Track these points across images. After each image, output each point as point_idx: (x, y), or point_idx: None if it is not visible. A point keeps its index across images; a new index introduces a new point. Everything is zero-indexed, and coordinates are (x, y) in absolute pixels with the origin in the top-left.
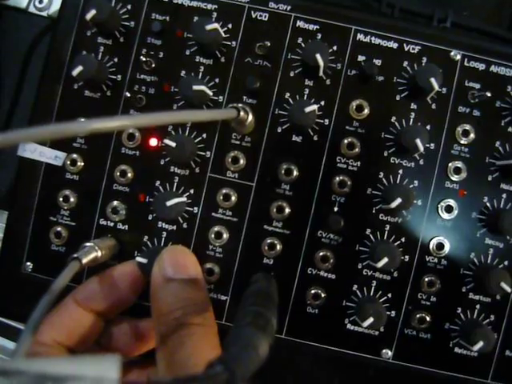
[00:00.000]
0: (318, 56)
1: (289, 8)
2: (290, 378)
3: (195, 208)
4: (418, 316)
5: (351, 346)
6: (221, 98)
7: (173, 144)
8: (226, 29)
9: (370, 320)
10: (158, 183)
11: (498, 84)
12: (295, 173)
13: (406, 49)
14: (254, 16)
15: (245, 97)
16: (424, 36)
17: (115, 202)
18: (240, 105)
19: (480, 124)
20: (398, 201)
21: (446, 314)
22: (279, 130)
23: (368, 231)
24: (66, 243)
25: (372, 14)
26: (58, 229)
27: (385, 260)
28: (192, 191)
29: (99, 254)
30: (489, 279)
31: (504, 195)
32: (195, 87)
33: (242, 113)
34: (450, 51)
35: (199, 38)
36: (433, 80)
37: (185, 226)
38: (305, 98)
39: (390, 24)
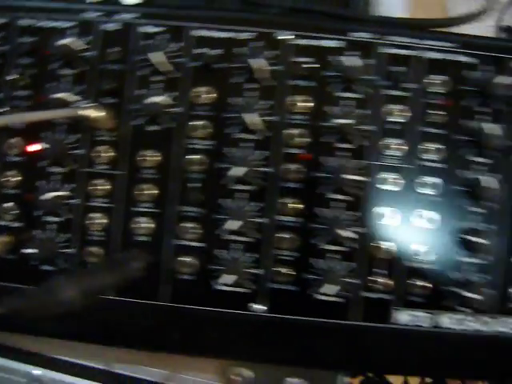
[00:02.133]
0: (154, 54)
1: (133, 16)
2: (177, 342)
3: (76, 200)
4: (279, 270)
5: (225, 305)
6: (86, 101)
7: (46, 146)
8: (83, 41)
9: (232, 277)
10: (40, 182)
11: (325, 56)
12: (157, 158)
13: (241, 37)
14: (105, 28)
15: (107, 97)
16: (255, 22)
17: (7, 204)
18: (90, 104)
19: (313, 93)
20: (239, 170)
21: (304, 264)
22: (139, 122)
23: (223, 200)
24: None
25: (208, 10)
26: None
27: (233, 225)
28: (71, 185)
29: None
30: (334, 229)
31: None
32: (58, 95)
33: (85, 111)
34: (277, 32)
35: (59, 52)
36: (253, 63)
37: (67, 217)
38: (156, 91)
39: (223, 16)
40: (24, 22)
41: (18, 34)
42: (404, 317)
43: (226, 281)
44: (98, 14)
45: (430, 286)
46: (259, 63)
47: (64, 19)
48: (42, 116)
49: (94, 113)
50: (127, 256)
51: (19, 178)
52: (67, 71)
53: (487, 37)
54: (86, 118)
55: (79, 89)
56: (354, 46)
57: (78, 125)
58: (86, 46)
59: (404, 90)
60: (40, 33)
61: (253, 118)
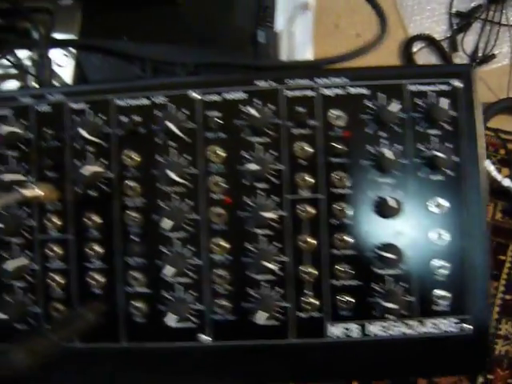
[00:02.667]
0: (81, 129)
1: (61, 97)
2: (141, 376)
3: (34, 265)
4: (220, 303)
5: (174, 339)
6: (30, 177)
7: (1, 225)
8: (24, 124)
9: (173, 317)
10: (4, 254)
11: (233, 107)
12: (97, 219)
13: (156, 101)
14: (40, 110)
15: (48, 172)
16: (167, 86)
17: None
18: (35, 184)
19: (227, 143)
20: (169, 223)
21: (241, 296)
22: (79, 189)
23: (162, 248)
24: None
25: (127, 81)
26: None
27: (172, 269)
28: (29, 253)
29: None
30: (259, 263)
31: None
32: (6, 178)
33: (26, 192)
34: (189, 93)
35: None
36: (170, 124)
37: (30, 280)
38: (90, 160)
39: (139, 85)
40: None
41: None
42: (336, 330)
43: (172, 318)
44: (31, 98)
45: (355, 299)
46: (173, 124)
47: (2, 107)
48: None
49: (39, 191)
50: (81, 310)
51: None
52: (11, 153)
53: (375, 67)
54: (34, 197)
55: (25, 168)
56: (259, 95)
57: (28, 200)
58: (24, 130)
59: (308, 127)
60: None
61: (175, 173)
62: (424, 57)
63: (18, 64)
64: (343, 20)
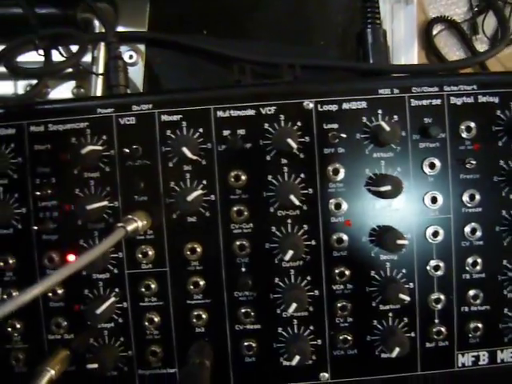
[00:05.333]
0: (185, 149)
1: (150, 106)
2: None
3: (124, 303)
4: (341, 338)
5: (291, 380)
6: (116, 203)
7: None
8: (102, 141)
9: (297, 358)
10: (86, 292)
11: (354, 118)
12: (199, 249)
13: (263, 112)
14: (122, 122)
15: (136, 196)
16: (276, 95)
17: (56, 318)
18: (121, 224)
19: (348, 159)
20: (290, 253)
21: (364, 328)
22: (174, 216)
23: (276, 279)
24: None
25: (227, 88)
26: None
27: (294, 305)
28: (117, 290)
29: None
30: (389, 293)
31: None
32: (89, 207)
33: (129, 227)
34: (302, 102)
35: (79, 161)
36: (290, 141)
37: (120, 320)
38: (187, 182)
39: (244, 93)
40: (35, 128)
41: (30, 143)
42: (465, 359)
43: (291, 357)
44: (113, 109)
45: (486, 326)
46: (286, 138)
47: (78, 120)
48: (96, 252)
49: (140, 222)
50: (196, 360)
51: (63, 290)
52: (91, 174)
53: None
54: (135, 231)
55: (108, 192)
56: (381, 104)
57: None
58: (106, 146)
59: (435, 140)
60: (53, 138)
61: (293, 195)
62: (444, 40)
63: (75, 63)
64: None
